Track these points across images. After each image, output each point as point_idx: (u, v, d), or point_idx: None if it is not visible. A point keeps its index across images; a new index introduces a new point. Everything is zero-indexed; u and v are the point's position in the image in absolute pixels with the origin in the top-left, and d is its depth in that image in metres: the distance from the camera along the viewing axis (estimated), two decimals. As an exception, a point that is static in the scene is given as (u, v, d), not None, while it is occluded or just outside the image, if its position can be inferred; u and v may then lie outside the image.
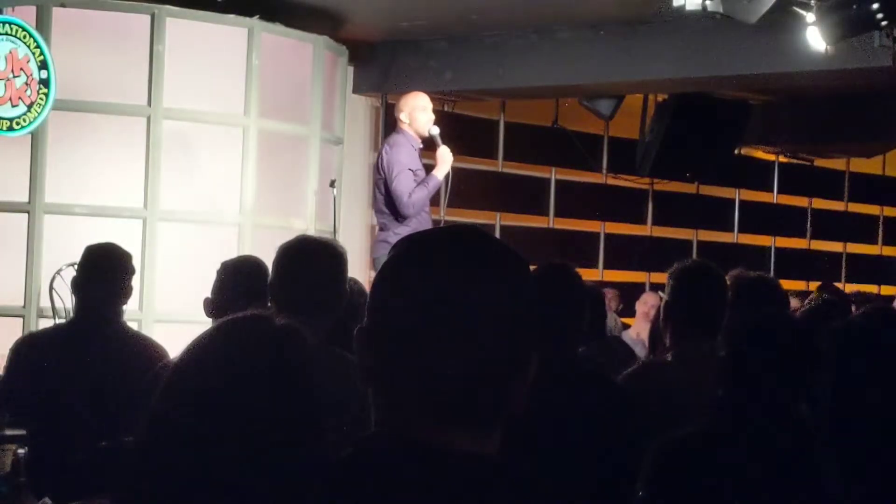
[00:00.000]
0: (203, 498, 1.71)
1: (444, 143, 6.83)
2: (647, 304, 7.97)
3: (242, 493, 1.70)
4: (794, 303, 6.35)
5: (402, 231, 6.49)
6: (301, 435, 1.77)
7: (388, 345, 1.40)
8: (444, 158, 6.71)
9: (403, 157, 6.70)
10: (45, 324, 6.57)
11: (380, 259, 6.52)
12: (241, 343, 1.79)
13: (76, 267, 4.46)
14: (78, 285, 4.38)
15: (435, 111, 6.98)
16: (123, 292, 4.36)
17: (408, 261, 1.43)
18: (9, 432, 4.61)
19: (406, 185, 6.62)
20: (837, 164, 12.99)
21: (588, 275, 4.03)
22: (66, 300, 6.43)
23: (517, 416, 1.42)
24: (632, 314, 8.27)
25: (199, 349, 1.80)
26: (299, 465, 1.69)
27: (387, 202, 6.76)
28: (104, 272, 4.31)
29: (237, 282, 4.16)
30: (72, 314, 4.79)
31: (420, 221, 6.70)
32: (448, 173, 6.77)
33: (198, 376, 1.77)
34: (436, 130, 6.76)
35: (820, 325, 3.48)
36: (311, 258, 3.51)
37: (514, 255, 1.44)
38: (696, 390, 3.39)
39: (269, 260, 4.59)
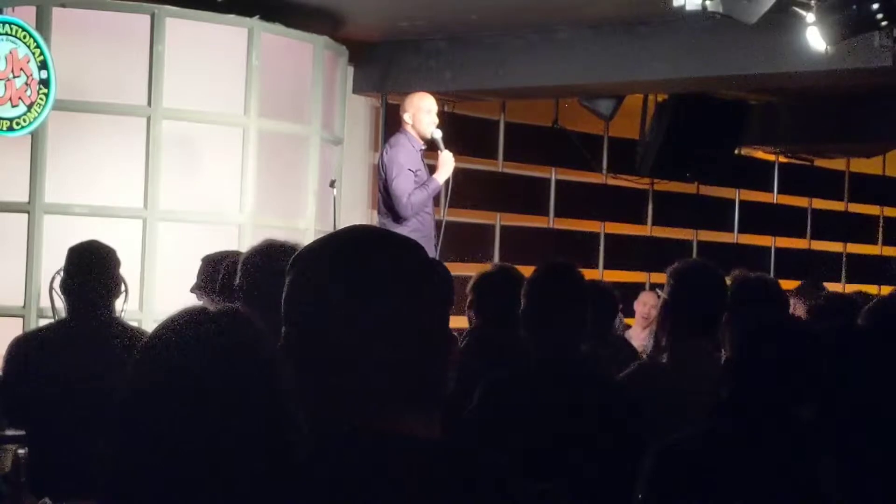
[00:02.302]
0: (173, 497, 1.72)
1: (446, 146, 6.82)
2: (647, 305, 7.96)
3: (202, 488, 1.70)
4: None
5: (401, 232, 6.48)
6: (257, 415, 1.78)
7: (314, 351, 1.47)
8: (446, 163, 6.71)
9: (402, 158, 6.69)
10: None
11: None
12: (179, 338, 1.79)
13: (62, 270, 4.43)
14: (67, 287, 4.36)
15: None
16: (114, 287, 4.34)
17: (312, 271, 1.50)
18: (9, 432, 4.60)
19: (405, 186, 6.61)
20: (837, 164, 12.99)
21: (588, 275, 4.03)
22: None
23: (482, 401, 1.50)
24: (632, 314, 8.26)
25: (142, 357, 1.81)
26: (262, 451, 1.70)
27: (387, 203, 6.75)
28: (91, 270, 4.29)
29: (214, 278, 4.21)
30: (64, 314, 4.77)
31: (422, 222, 6.69)
32: (448, 178, 6.77)
33: (145, 380, 1.78)
34: (438, 134, 6.76)
35: (822, 326, 3.49)
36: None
37: (410, 245, 1.54)
38: (693, 390, 3.40)
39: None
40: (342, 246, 1.53)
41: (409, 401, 1.45)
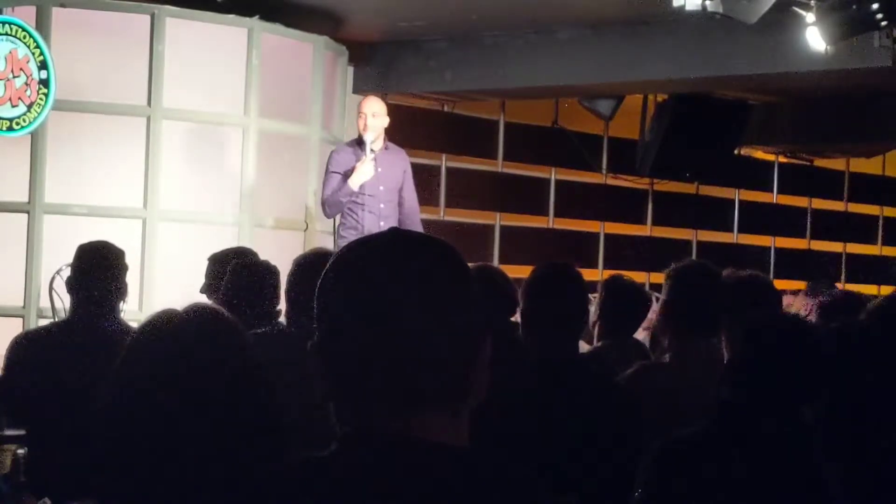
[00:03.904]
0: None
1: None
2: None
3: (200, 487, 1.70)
4: (788, 300, 6.33)
5: (341, 232, 6.87)
6: (249, 413, 1.77)
7: (348, 354, 1.45)
8: (358, 169, 6.70)
9: (333, 162, 6.86)
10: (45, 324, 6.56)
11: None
12: (155, 341, 1.80)
13: (70, 266, 4.44)
14: (73, 285, 4.36)
15: (435, 111, 6.98)
16: (119, 289, 4.34)
17: (349, 275, 1.49)
18: (9, 432, 4.60)
19: (327, 188, 6.79)
20: (837, 164, 12.99)
21: (588, 275, 4.01)
22: (65, 300, 6.41)
23: (481, 401, 1.48)
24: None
25: (127, 360, 1.82)
26: (257, 449, 1.69)
27: None
28: (98, 270, 4.30)
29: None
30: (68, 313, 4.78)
31: (358, 221, 6.75)
32: (369, 182, 6.74)
33: (126, 381, 1.78)
34: (368, 139, 6.73)
35: (823, 326, 3.48)
36: None
37: (444, 247, 1.53)
38: (695, 391, 3.39)
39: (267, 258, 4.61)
40: (351, 251, 1.52)
41: (412, 403, 1.43)
